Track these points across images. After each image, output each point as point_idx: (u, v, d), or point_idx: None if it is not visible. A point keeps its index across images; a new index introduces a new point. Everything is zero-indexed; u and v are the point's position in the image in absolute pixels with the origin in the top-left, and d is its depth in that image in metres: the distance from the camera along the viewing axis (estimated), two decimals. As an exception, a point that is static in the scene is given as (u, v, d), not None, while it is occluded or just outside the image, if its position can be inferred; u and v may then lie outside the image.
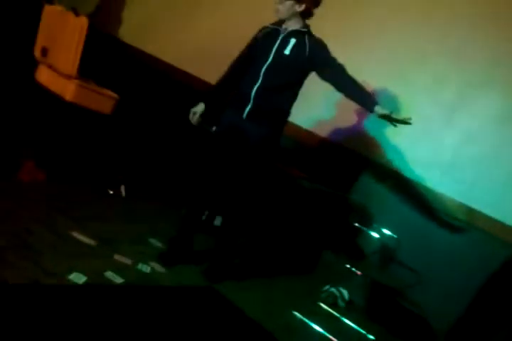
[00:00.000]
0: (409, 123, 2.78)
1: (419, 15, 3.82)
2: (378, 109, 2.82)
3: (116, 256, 2.89)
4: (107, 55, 4.65)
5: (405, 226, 3.70)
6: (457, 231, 3.49)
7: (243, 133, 3.01)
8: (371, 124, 3.88)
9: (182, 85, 4.57)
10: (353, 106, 3.52)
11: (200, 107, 3.10)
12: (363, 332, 3.23)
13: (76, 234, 2.93)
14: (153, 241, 3.30)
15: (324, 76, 2.99)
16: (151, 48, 4.83)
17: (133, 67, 4.75)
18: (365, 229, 3.74)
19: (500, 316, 2.88)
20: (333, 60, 2.96)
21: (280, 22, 2.97)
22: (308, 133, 4.10)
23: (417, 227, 3.68)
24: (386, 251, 3.73)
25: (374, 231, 3.72)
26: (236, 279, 3.21)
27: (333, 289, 3.50)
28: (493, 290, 2.94)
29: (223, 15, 4.59)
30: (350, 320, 3.35)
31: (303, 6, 2.88)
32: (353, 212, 3.85)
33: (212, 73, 4.44)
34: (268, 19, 3.03)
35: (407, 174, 3.79)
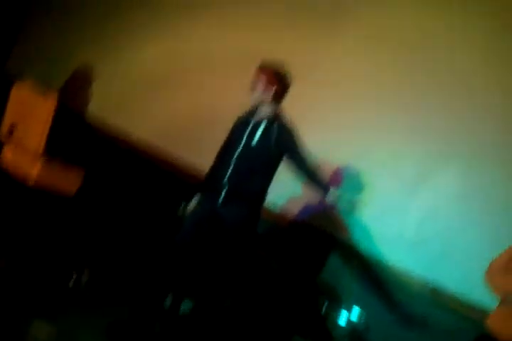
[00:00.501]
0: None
1: (368, 89, 3.89)
2: (329, 196, 3.04)
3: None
4: (75, 131, 4.66)
5: (373, 306, 3.66)
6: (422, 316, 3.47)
7: (219, 219, 3.05)
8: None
9: (152, 165, 4.58)
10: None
11: (195, 200, 3.17)
12: None
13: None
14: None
15: (288, 160, 3.08)
16: (121, 125, 4.85)
17: (101, 144, 4.76)
18: (333, 311, 3.70)
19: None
20: (297, 148, 3.05)
21: (255, 108, 3.06)
22: (278, 214, 4.08)
23: (384, 307, 3.65)
24: (355, 333, 3.67)
25: (342, 312, 3.67)
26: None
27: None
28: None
29: (194, 95, 4.65)
30: None
31: (272, 92, 2.97)
32: (321, 293, 3.81)
33: (183, 151, 4.51)
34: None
35: (373, 251, 3.78)
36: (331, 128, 3.95)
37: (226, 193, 3.01)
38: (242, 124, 3.07)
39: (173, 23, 4.81)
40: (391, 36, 3.87)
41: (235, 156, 3.00)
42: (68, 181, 3.89)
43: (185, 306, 3.69)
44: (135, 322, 3.12)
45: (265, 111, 3.01)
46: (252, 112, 3.06)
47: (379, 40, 3.89)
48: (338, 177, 3.82)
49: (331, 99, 3.95)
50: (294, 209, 4.07)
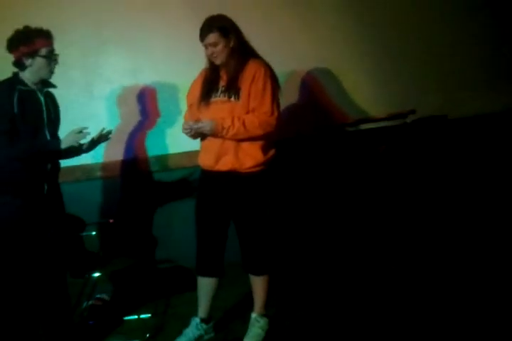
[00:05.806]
0: (108, 135, 2.82)
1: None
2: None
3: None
4: None
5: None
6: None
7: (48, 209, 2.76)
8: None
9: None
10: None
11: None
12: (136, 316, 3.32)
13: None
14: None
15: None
16: None
17: None
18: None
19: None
20: None
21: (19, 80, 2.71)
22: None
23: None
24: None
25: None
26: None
27: (90, 302, 3.45)
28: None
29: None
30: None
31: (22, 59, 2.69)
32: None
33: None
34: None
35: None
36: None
37: (48, 186, 2.74)
38: (28, 101, 2.68)
39: None
40: None
41: (47, 135, 2.74)
42: None
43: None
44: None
45: (35, 79, 2.71)
46: (17, 83, 2.67)
47: None
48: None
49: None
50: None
